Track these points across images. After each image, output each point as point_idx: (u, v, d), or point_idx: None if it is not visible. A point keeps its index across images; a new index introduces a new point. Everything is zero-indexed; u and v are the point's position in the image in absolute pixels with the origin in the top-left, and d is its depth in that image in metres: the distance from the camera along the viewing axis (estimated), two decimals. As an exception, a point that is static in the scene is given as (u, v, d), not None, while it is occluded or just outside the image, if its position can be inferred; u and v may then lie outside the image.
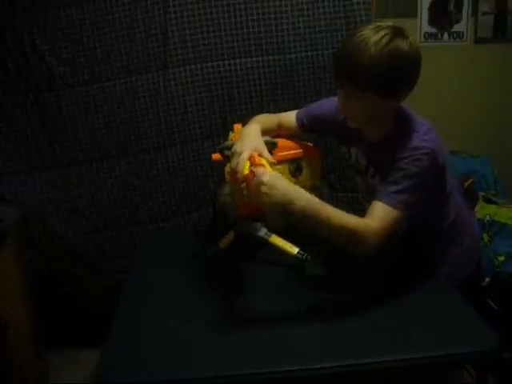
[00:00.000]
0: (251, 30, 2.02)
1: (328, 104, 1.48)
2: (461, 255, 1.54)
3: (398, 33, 1.24)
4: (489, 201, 2.31)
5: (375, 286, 1.41)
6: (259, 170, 1.22)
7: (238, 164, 1.26)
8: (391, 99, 1.29)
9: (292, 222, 1.65)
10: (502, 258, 2.07)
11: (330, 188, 2.12)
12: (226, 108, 2.11)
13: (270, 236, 1.50)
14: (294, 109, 1.62)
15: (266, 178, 1.20)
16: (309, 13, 2.02)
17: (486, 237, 2.15)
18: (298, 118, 1.58)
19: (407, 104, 1.41)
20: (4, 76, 1.99)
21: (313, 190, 1.55)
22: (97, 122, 2.07)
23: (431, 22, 2.57)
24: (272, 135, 1.51)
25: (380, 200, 1.27)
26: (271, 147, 1.37)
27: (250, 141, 1.31)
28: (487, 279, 2.04)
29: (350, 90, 1.29)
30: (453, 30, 2.58)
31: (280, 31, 2.03)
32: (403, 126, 1.35)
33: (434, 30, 2.58)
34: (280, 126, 1.58)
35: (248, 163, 1.25)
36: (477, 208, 2.26)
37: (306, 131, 1.60)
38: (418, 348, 1.16)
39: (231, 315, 1.33)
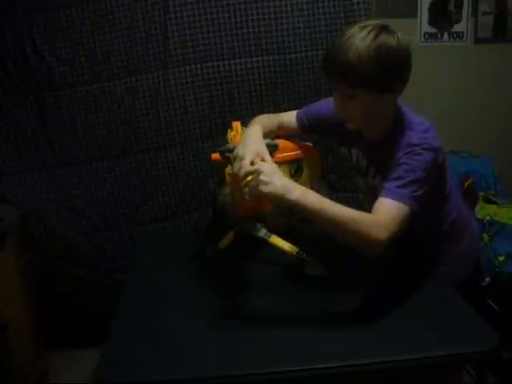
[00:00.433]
0: (251, 29, 2.02)
1: (328, 104, 1.48)
2: (460, 255, 1.54)
3: (383, 29, 1.25)
4: (489, 201, 2.31)
5: (375, 286, 1.41)
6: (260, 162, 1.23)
7: (240, 169, 1.26)
8: (385, 95, 1.29)
9: (292, 222, 1.65)
10: (502, 258, 2.07)
11: (330, 188, 2.13)
12: (225, 108, 2.11)
13: (269, 236, 1.50)
14: (294, 109, 1.62)
15: (266, 167, 1.20)
16: (309, 13, 2.03)
17: (485, 237, 2.15)
18: (299, 118, 1.58)
19: (407, 104, 1.41)
20: (4, 76, 2.00)
21: (313, 190, 1.55)
22: (97, 122, 2.07)
23: (431, 22, 2.57)
24: (272, 136, 1.51)
25: (384, 196, 1.25)
26: (272, 150, 1.37)
27: (251, 145, 1.31)
28: (487, 279, 2.04)
29: (343, 90, 1.29)
30: (453, 30, 2.58)
31: (280, 31, 2.03)
32: (402, 125, 1.35)
33: (433, 30, 2.58)
34: (280, 127, 1.57)
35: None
36: (477, 208, 2.26)
37: (306, 131, 1.60)
38: (418, 348, 1.16)
39: (231, 315, 1.33)
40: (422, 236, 1.47)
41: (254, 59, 2.06)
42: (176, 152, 2.14)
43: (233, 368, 1.13)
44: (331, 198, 1.24)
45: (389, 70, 1.25)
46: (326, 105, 1.49)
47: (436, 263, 1.48)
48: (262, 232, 1.51)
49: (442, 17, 2.57)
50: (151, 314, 1.35)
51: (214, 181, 2.15)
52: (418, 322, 1.24)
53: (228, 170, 1.42)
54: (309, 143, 1.62)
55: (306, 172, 1.56)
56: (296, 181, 1.25)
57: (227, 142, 1.48)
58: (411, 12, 2.54)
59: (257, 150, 1.29)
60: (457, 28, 2.58)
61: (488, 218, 2.19)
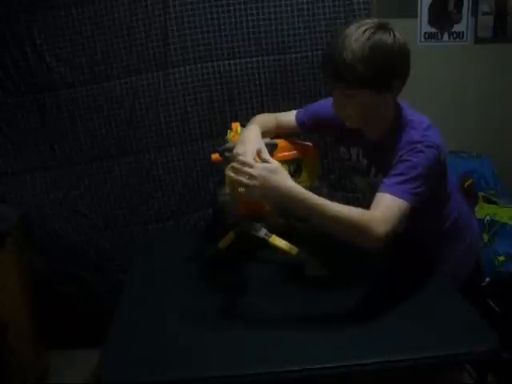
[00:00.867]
0: (251, 29, 2.02)
1: (327, 104, 1.47)
2: (461, 255, 1.54)
3: (380, 27, 1.25)
4: (489, 201, 2.31)
5: (375, 286, 1.41)
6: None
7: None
8: (384, 93, 1.29)
9: (292, 222, 1.65)
10: (502, 258, 2.07)
11: (330, 188, 2.12)
12: (226, 108, 2.11)
13: (269, 236, 1.50)
14: (294, 109, 1.62)
15: (256, 171, 1.20)
16: (309, 13, 2.02)
17: (485, 237, 2.15)
18: (298, 118, 1.58)
19: (407, 103, 1.41)
20: (4, 76, 1.99)
21: (312, 190, 1.55)
22: (97, 122, 2.07)
23: (431, 22, 2.57)
24: (271, 135, 1.51)
25: (383, 191, 1.25)
26: (271, 149, 1.37)
27: (250, 144, 1.31)
28: (487, 279, 2.04)
29: (341, 89, 1.29)
30: (453, 30, 2.58)
31: (280, 31, 2.03)
32: (403, 123, 1.35)
33: (433, 30, 2.58)
34: (279, 126, 1.57)
35: None
36: (477, 208, 2.26)
37: (306, 131, 1.60)
38: (418, 348, 1.16)
39: (231, 315, 1.33)
40: (423, 235, 1.47)
41: (254, 59, 2.06)
42: (176, 152, 2.14)
43: (233, 368, 1.14)
44: (332, 197, 1.24)
45: (385, 68, 1.25)
46: (325, 104, 1.49)
47: (436, 263, 1.48)
48: (262, 232, 1.51)
49: (442, 17, 2.57)
50: (151, 313, 1.35)
51: (214, 181, 2.15)
52: (418, 321, 1.24)
53: (227, 169, 1.41)
54: (308, 143, 1.62)
55: (305, 171, 1.56)
56: (295, 180, 1.24)
57: (226, 143, 1.48)
58: (411, 12, 2.54)
59: (256, 150, 1.29)
60: (457, 28, 2.58)
61: (488, 218, 2.18)
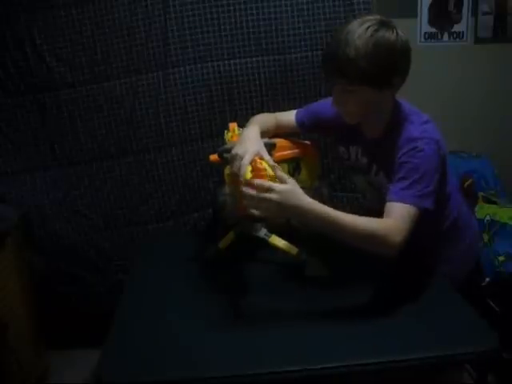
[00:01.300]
0: (251, 29, 2.02)
1: (327, 104, 1.48)
2: (461, 255, 1.54)
3: (383, 24, 1.26)
4: (489, 201, 2.31)
5: (375, 287, 1.41)
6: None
7: (239, 168, 1.25)
8: (384, 90, 1.30)
9: (292, 222, 1.65)
10: (502, 258, 2.07)
11: (330, 188, 2.12)
12: (225, 108, 2.11)
13: (269, 236, 1.51)
14: (294, 109, 1.62)
15: (280, 188, 1.17)
16: (309, 13, 2.02)
17: (485, 237, 2.15)
18: (298, 117, 1.58)
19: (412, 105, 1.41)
20: (4, 76, 1.99)
21: (313, 190, 1.56)
22: (97, 122, 2.07)
23: (431, 22, 2.57)
24: (270, 135, 1.51)
25: (393, 200, 1.26)
26: (269, 149, 1.37)
27: (250, 144, 1.31)
28: (487, 279, 2.04)
29: (342, 85, 1.29)
30: (453, 30, 2.58)
31: (280, 31, 2.03)
32: (401, 118, 1.35)
33: (433, 30, 2.58)
34: (279, 126, 1.57)
35: (250, 167, 1.25)
36: (477, 208, 2.26)
37: (306, 130, 1.60)
38: (418, 348, 1.16)
39: (231, 315, 1.33)
40: (422, 236, 1.46)
41: (254, 59, 2.06)
42: (176, 152, 2.14)
43: (233, 368, 1.14)
44: (332, 197, 1.24)
45: (388, 65, 1.26)
46: (325, 104, 1.50)
47: (436, 263, 1.48)
48: (262, 232, 1.51)
49: (442, 17, 2.57)
50: (151, 314, 1.35)
51: (214, 181, 2.15)
52: (418, 321, 1.24)
53: (227, 170, 1.42)
54: (307, 142, 1.62)
55: (304, 170, 1.56)
56: (295, 179, 1.24)
57: (225, 143, 1.48)
58: (411, 12, 2.54)
59: (256, 150, 1.29)
60: (457, 28, 2.58)
61: (488, 218, 2.18)
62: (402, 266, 1.45)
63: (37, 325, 2.12)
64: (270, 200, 1.16)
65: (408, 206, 1.25)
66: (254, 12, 2.01)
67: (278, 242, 1.50)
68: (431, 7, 2.55)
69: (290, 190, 1.18)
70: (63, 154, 2.09)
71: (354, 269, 1.48)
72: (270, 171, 1.24)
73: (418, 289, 1.37)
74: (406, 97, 1.41)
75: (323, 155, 2.11)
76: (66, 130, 2.07)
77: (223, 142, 1.51)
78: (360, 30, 1.24)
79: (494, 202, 2.29)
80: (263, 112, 1.66)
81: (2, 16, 1.93)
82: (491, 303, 1.98)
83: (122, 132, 2.09)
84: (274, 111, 1.66)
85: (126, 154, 2.12)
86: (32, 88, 2.01)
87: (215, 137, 2.12)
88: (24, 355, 1.98)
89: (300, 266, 1.47)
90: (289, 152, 1.53)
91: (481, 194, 2.35)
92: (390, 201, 1.27)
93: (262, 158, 1.29)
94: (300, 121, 1.57)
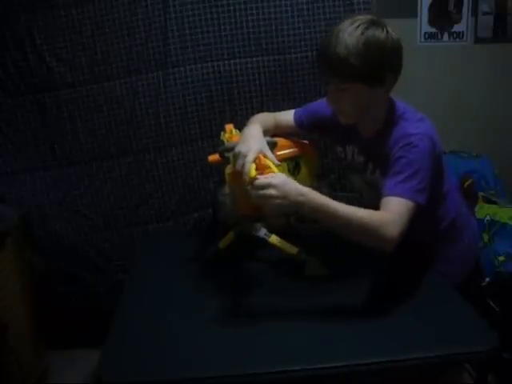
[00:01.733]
0: (251, 29, 2.02)
1: (325, 103, 1.48)
2: (460, 255, 1.54)
3: (373, 22, 1.27)
4: (489, 201, 2.31)
5: (375, 286, 1.41)
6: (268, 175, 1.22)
7: (243, 166, 1.25)
8: (377, 87, 1.30)
9: (292, 222, 1.65)
10: (502, 258, 2.07)
11: (330, 188, 2.12)
12: (225, 108, 2.11)
13: (269, 236, 1.50)
14: (294, 109, 1.62)
15: (276, 180, 1.19)
16: (309, 13, 2.02)
17: (485, 237, 2.15)
18: (297, 117, 1.58)
19: (407, 103, 1.41)
20: (4, 76, 1.99)
21: (312, 189, 1.55)
22: (97, 122, 2.07)
23: (431, 22, 2.57)
24: (269, 134, 1.51)
25: (388, 194, 1.26)
26: (271, 147, 1.38)
27: (254, 142, 1.31)
28: (487, 279, 2.03)
29: (335, 84, 1.30)
30: (453, 30, 2.58)
31: (280, 31, 2.03)
32: (396, 116, 1.36)
33: (433, 30, 2.58)
34: (278, 125, 1.58)
35: (254, 165, 1.25)
36: (477, 208, 2.26)
37: (305, 131, 1.60)
38: (418, 348, 1.16)
39: (231, 315, 1.33)
40: (421, 235, 1.47)
41: (254, 59, 2.06)
42: (176, 152, 2.14)
43: (232, 368, 1.14)
44: (332, 197, 1.24)
45: (379, 63, 1.26)
46: (323, 103, 1.50)
47: (436, 263, 1.48)
48: (262, 232, 1.51)
49: (442, 17, 2.57)
50: (151, 314, 1.35)
51: (214, 181, 2.15)
52: (417, 321, 1.24)
53: (227, 170, 1.41)
54: (305, 140, 1.61)
55: (304, 169, 1.56)
56: (295, 178, 1.25)
57: (222, 144, 1.48)
58: (411, 12, 2.54)
59: (259, 147, 1.29)
60: (457, 28, 2.58)
61: (488, 218, 2.18)
62: (401, 265, 1.46)
63: (37, 325, 2.12)
64: (270, 196, 1.17)
65: (404, 200, 1.25)
66: (254, 12, 2.01)
67: (278, 241, 1.50)
68: (431, 7, 2.55)
69: (285, 180, 1.20)
70: (63, 154, 2.09)
71: (353, 269, 1.48)
72: (274, 168, 1.25)
73: (417, 289, 1.37)
74: (406, 97, 1.41)
75: (323, 155, 2.11)
76: (65, 130, 2.07)
77: (220, 144, 1.51)
78: (350, 29, 1.25)
79: (494, 202, 2.28)
80: (263, 112, 1.66)
81: (2, 16, 1.93)
82: (491, 303, 1.98)
83: (121, 132, 2.09)
84: (274, 111, 1.66)
85: (126, 154, 2.12)
86: (32, 88, 2.01)
87: (215, 137, 2.11)
88: (24, 355, 1.98)
89: (299, 266, 1.47)
90: (289, 151, 1.52)
91: (481, 194, 2.35)
92: (386, 195, 1.27)
93: (265, 156, 1.29)
94: (298, 120, 1.58)
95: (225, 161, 1.40)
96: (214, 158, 1.47)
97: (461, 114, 2.62)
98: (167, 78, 2.05)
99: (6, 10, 1.93)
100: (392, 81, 1.32)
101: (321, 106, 1.53)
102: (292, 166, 1.53)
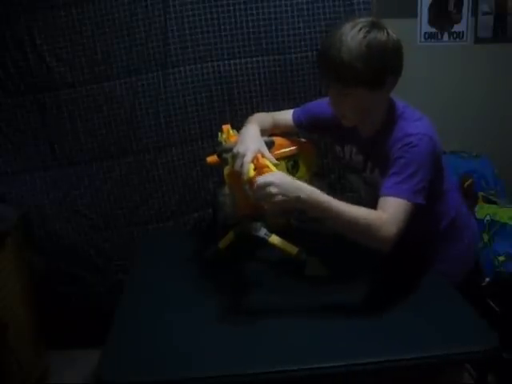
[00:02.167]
0: (251, 29, 2.02)
1: (324, 103, 1.48)
2: (459, 255, 1.54)
3: (374, 25, 1.27)
4: (489, 201, 2.30)
5: (375, 286, 1.41)
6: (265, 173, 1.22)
7: (242, 166, 1.25)
8: (378, 90, 1.30)
9: (292, 222, 1.65)
10: (502, 258, 2.07)
11: (330, 188, 2.12)
12: (225, 108, 2.11)
13: (269, 236, 1.50)
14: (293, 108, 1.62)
15: (274, 178, 1.19)
16: (309, 13, 2.02)
17: (485, 237, 2.15)
18: (295, 117, 1.58)
19: (407, 103, 1.41)
20: (4, 76, 1.99)
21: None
22: (97, 122, 2.07)
23: (431, 22, 2.57)
24: (267, 134, 1.51)
25: (386, 194, 1.26)
26: (269, 147, 1.38)
27: (251, 142, 1.31)
28: (487, 279, 2.03)
29: (337, 88, 1.30)
30: (453, 30, 2.58)
31: (280, 31, 2.03)
32: (395, 116, 1.36)
33: (433, 30, 2.58)
34: (276, 125, 1.58)
35: (252, 165, 1.25)
36: (477, 208, 2.26)
37: (305, 130, 1.60)
38: (418, 348, 1.16)
39: (231, 315, 1.33)
40: (421, 235, 1.47)
41: (254, 59, 2.06)
42: (176, 152, 2.14)
43: (233, 368, 1.14)
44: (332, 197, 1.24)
45: (381, 66, 1.26)
46: (322, 103, 1.50)
47: (435, 263, 1.48)
48: (262, 232, 1.51)
49: (442, 17, 2.57)
50: (151, 314, 1.35)
51: (214, 181, 2.15)
52: (417, 321, 1.24)
53: (227, 170, 1.41)
54: (303, 139, 1.61)
55: (302, 167, 1.56)
56: (293, 177, 1.25)
57: (219, 145, 1.48)
58: (411, 12, 2.54)
59: (257, 147, 1.29)
60: (457, 28, 2.58)
61: (488, 218, 2.18)
62: (401, 265, 1.46)
63: (37, 325, 2.12)
64: (271, 194, 1.17)
65: (402, 200, 1.25)
66: (254, 12, 2.01)
67: (278, 241, 1.50)
68: (431, 7, 2.55)
69: (283, 177, 1.20)
70: (63, 154, 2.09)
71: (353, 269, 1.48)
72: (272, 168, 1.25)
73: (417, 289, 1.37)
74: (406, 97, 1.41)
75: (323, 155, 2.11)
76: (65, 130, 2.07)
77: (218, 144, 1.51)
78: (353, 33, 1.25)
79: (494, 202, 2.28)
80: (263, 112, 1.66)
81: (2, 16, 1.93)
82: (491, 303, 1.98)
83: (121, 132, 2.09)
84: (274, 111, 1.66)
85: (126, 154, 2.12)
86: (32, 88, 2.01)
87: (215, 137, 2.10)
88: (24, 355, 1.98)
89: (299, 266, 1.47)
90: (287, 149, 1.53)
91: (481, 193, 2.35)
92: (384, 195, 1.27)
93: (263, 156, 1.29)
94: (297, 120, 1.58)
95: (223, 162, 1.40)
96: (212, 159, 1.47)
97: (461, 114, 2.62)
98: (167, 78, 2.05)
99: (6, 10, 1.93)
100: (393, 83, 1.32)
101: (320, 105, 1.52)
102: (290, 165, 1.53)
